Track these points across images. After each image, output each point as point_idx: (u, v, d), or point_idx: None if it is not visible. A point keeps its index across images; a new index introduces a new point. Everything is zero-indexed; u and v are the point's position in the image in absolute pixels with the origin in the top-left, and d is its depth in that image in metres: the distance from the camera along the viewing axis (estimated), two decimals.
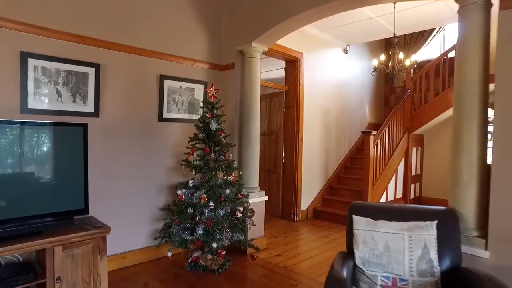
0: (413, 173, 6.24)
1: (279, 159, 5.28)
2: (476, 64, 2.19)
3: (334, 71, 5.72)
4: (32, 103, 2.65)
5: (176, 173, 3.57)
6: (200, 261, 3.15)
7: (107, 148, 3.10)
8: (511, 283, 1.74)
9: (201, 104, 3.25)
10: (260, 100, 5.90)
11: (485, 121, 2.24)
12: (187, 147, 3.22)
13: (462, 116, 2.25)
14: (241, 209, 3.20)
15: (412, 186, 6.24)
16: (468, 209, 2.19)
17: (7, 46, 2.53)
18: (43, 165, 2.40)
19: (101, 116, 3.05)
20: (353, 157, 6.16)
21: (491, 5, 2.20)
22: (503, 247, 2.04)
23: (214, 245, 2.94)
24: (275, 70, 7.52)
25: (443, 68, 5.66)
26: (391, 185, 5.64)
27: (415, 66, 4.47)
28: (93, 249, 2.44)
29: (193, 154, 3.18)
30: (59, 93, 2.79)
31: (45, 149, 2.41)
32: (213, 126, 3.15)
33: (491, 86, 2.16)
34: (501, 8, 2.08)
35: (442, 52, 6.42)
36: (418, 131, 6.15)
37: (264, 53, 4.28)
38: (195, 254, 3.24)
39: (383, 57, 4.41)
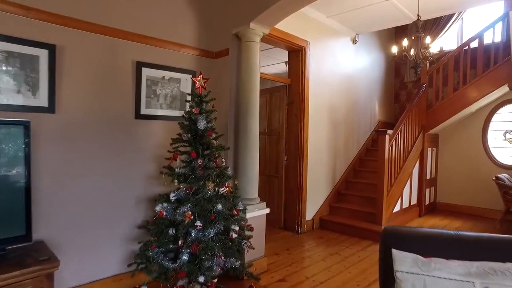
0: (427, 177, 5.57)
1: (281, 162, 4.61)
2: None
3: (342, 64, 5.04)
4: None
5: (158, 181, 2.89)
6: None
7: (67, 153, 2.41)
8: None
9: (188, 98, 2.58)
10: (259, 95, 5.24)
11: None
12: (168, 151, 2.53)
13: None
14: (237, 228, 2.52)
15: (427, 190, 5.58)
16: None
17: None
18: None
19: (58, 112, 2.36)
20: (362, 159, 5.49)
21: None
22: None
23: (201, 279, 2.26)
24: (276, 65, 6.84)
25: (464, 60, 4.99)
26: (405, 191, 4.98)
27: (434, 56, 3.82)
28: None
29: (176, 160, 2.50)
30: None
31: None
32: (201, 124, 2.46)
33: None
34: None
35: (460, 43, 5.76)
36: (434, 130, 5.49)
37: (264, 40, 3.60)
38: (179, 283, 2.56)
39: (406, 42, 3.73)
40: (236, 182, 2.80)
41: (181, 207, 2.40)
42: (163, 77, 2.93)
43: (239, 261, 2.53)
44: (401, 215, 4.83)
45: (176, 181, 2.45)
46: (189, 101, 2.55)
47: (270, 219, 4.76)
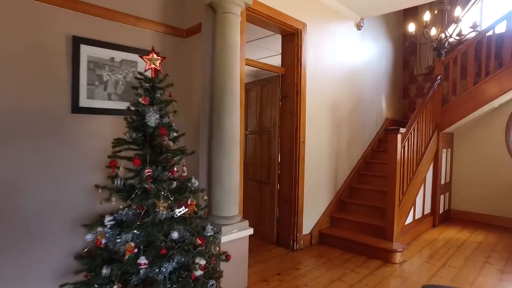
0: (442, 181, 4.83)
1: (274, 165, 3.87)
2: None
3: (345, 52, 4.30)
4: None
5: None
6: None
7: None
8: None
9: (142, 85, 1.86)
10: (249, 89, 4.50)
11: None
12: (109, 156, 1.81)
13: None
14: (203, 262, 1.80)
15: (441, 197, 4.83)
16: None
17: None
18: None
19: None
20: (368, 161, 4.74)
21: None
22: None
23: None
24: (272, 57, 6.09)
25: (487, 48, 4.24)
26: (418, 198, 4.24)
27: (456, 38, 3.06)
28: None
29: (118, 169, 1.78)
30: None
31: None
32: (152, 119, 1.74)
33: None
34: None
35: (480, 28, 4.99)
36: (449, 129, 4.74)
37: (251, 20, 2.91)
38: None
39: (427, 16, 2.97)
40: (204, 197, 2.06)
41: (122, 234, 1.69)
42: (113, 58, 2.21)
43: None
44: (414, 227, 4.08)
45: (113, 198, 1.72)
46: (136, 88, 1.83)
47: (260, 233, 4.05)
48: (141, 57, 1.81)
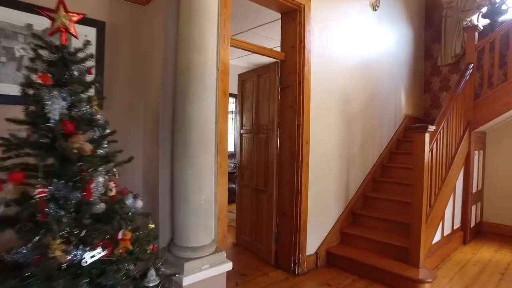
0: (473, 189, 4.03)
1: (272, 171, 3.18)
2: None
3: (358, 36, 3.56)
4: None
5: None
6: None
7: None
8: None
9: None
10: (245, 80, 3.78)
11: None
12: None
13: None
14: None
15: (473, 208, 4.04)
16: None
17: None
18: None
19: None
20: (385, 166, 3.99)
21: None
22: None
23: None
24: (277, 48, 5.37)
25: None
26: (447, 211, 3.47)
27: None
28: None
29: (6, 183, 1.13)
30: None
31: None
32: (54, 108, 1.09)
33: None
34: None
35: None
36: (482, 127, 3.95)
37: None
38: None
39: None
40: (151, 225, 1.39)
41: None
42: (30, 26, 1.56)
43: None
44: (443, 246, 3.31)
45: None
46: (34, 61, 1.17)
47: (257, 251, 3.36)
48: (40, 11, 1.15)
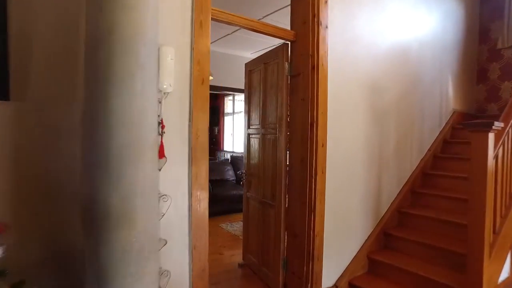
0: None
1: (280, 181, 2.52)
2: None
3: (393, 12, 2.80)
4: None
5: None
6: None
7: None
8: None
9: None
10: (251, 70, 3.09)
11: None
12: None
13: None
14: None
15: None
16: None
17: None
18: None
19: None
20: (428, 174, 3.15)
21: None
22: None
23: None
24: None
25: None
26: None
27: None
28: None
29: None
30: None
31: None
32: None
33: None
34: None
35: None
36: None
37: None
38: None
39: None
40: None
41: None
42: None
43: None
44: (510, 286, 2.46)
45: None
46: None
47: (263, 276, 2.72)
48: None
